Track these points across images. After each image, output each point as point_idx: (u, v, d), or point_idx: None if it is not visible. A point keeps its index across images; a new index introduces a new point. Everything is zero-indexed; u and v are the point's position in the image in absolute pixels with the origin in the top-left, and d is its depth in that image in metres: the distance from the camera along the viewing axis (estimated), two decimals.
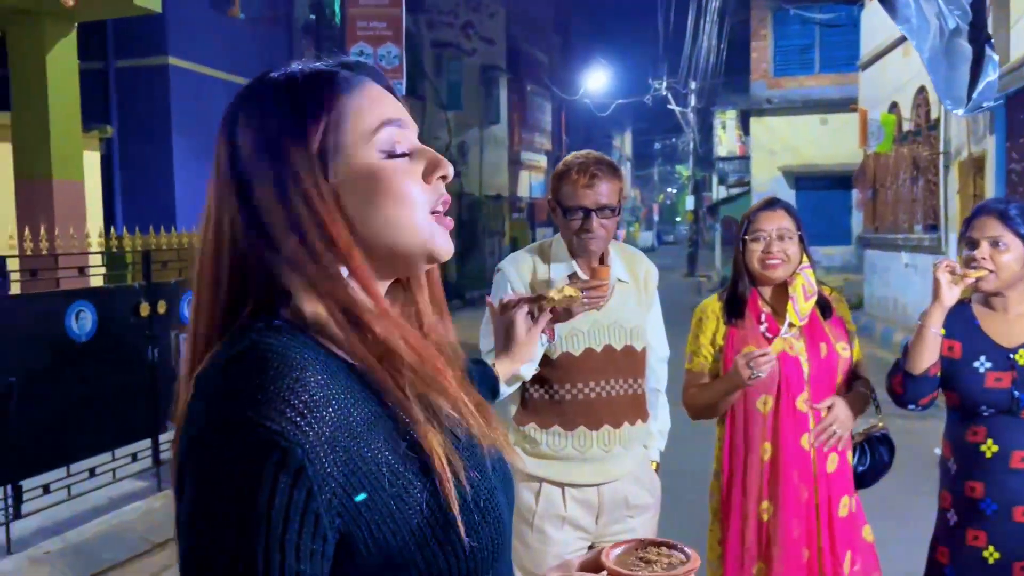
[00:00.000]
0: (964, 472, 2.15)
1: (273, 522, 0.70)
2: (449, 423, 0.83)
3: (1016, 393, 2.07)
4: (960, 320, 2.19)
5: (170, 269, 5.55)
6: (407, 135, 0.87)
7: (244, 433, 0.71)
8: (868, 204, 13.84)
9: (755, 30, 17.60)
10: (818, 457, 2.29)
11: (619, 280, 2.31)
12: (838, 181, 16.55)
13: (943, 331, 2.15)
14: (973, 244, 2.16)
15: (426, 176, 0.86)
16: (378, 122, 0.85)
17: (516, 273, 2.28)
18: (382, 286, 0.89)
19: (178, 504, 0.75)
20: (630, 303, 2.31)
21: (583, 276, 2.24)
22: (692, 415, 2.44)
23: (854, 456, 2.40)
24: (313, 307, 0.80)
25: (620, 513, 2.27)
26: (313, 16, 13.48)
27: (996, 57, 5.41)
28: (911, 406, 2.22)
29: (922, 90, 10.88)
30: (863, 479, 2.42)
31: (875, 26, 12.96)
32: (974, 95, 5.35)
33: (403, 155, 0.85)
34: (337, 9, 11.95)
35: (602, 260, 2.30)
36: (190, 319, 0.87)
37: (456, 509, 0.77)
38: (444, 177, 0.87)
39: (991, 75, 5.34)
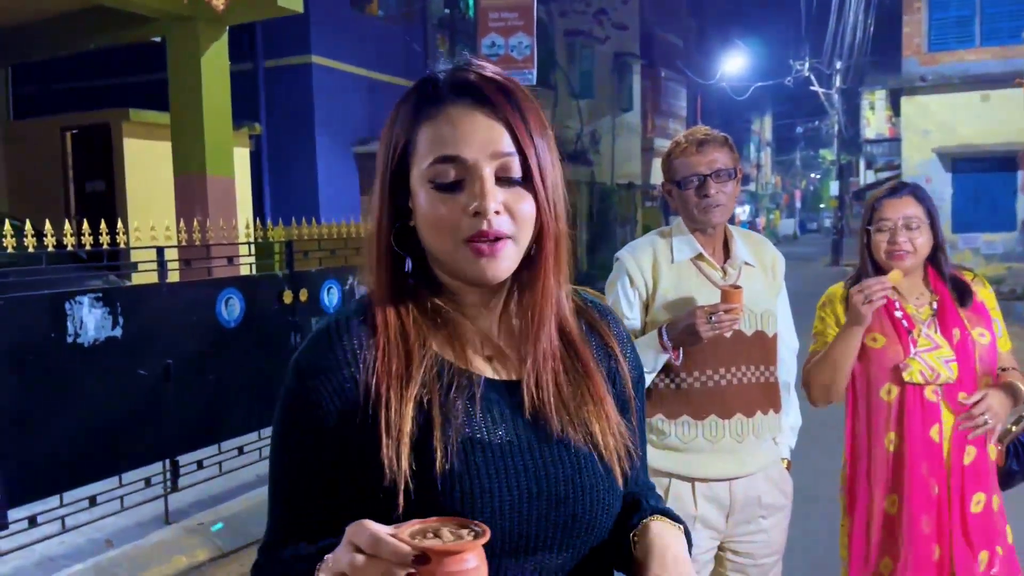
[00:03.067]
0: None
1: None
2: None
3: None
4: None
5: (311, 258, 5.79)
6: (464, 169, 0.95)
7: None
8: None
9: (907, 2, 16.50)
10: (953, 449, 2.15)
11: (745, 263, 2.23)
12: (1001, 162, 15.33)
13: None
14: None
15: (465, 209, 0.94)
16: (433, 157, 0.96)
17: (634, 263, 2.22)
18: (464, 288, 1.02)
19: None
20: (758, 287, 2.21)
21: (704, 253, 2.20)
22: (813, 394, 2.30)
23: (1008, 453, 2.22)
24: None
25: (752, 512, 2.18)
26: (447, 11, 13.73)
27: None
28: None
29: None
30: (1014, 478, 2.25)
31: None
32: None
33: (446, 186, 0.95)
34: (471, 2, 12.11)
35: (726, 245, 2.23)
36: None
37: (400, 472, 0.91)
38: (478, 213, 0.93)
39: None
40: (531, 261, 0.99)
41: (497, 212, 0.94)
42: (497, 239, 0.94)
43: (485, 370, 1.00)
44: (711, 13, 33.10)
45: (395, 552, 0.74)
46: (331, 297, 5.87)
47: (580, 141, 19.74)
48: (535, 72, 9.73)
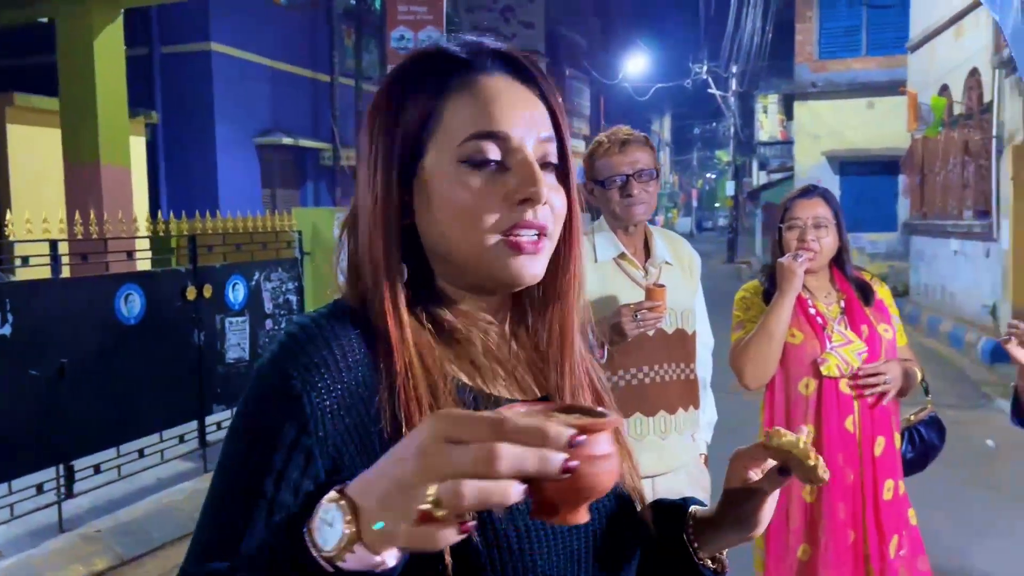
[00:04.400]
0: None
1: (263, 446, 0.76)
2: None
3: None
4: None
5: (216, 253, 5.61)
6: (507, 149, 0.80)
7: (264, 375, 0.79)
8: (915, 190, 13.54)
9: (800, 12, 17.23)
10: (864, 440, 2.27)
11: (665, 263, 2.30)
12: (884, 166, 16.19)
13: None
14: None
15: (509, 195, 0.79)
16: (469, 132, 0.80)
17: None
18: (469, 299, 0.86)
19: None
20: (678, 286, 2.28)
21: (627, 252, 2.25)
22: (746, 375, 2.30)
23: (903, 442, 2.37)
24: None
25: None
26: (354, 2, 13.51)
27: None
28: None
29: (974, 72, 10.58)
30: (912, 465, 2.39)
31: (925, 6, 12.63)
32: None
33: (484, 165, 0.79)
34: None
35: (646, 244, 2.29)
36: None
37: None
38: (527, 200, 0.78)
39: None
40: (555, 265, 0.85)
41: (545, 202, 0.80)
42: (541, 234, 0.80)
43: (504, 392, 0.85)
44: (614, 14, 33.70)
45: (554, 435, 0.54)
46: (236, 294, 5.70)
47: None
48: None
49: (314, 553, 0.58)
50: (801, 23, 17.23)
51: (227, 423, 5.65)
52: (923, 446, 2.36)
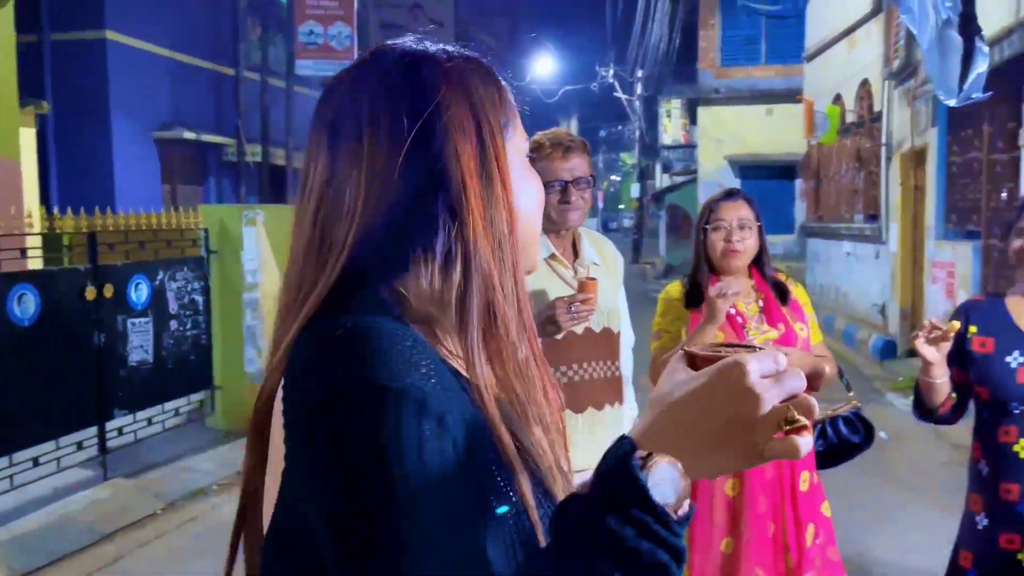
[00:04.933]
0: (998, 474, 2.11)
1: (428, 466, 0.67)
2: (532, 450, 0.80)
3: None
4: (994, 315, 2.18)
5: (117, 252, 5.37)
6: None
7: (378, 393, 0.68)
8: (811, 194, 14.14)
9: (703, 19, 17.76)
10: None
11: (593, 263, 2.34)
12: (782, 171, 16.87)
13: (974, 329, 2.15)
14: (1020, 235, 2.12)
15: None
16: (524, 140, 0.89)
17: None
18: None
19: (304, 468, 0.71)
20: (604, 285, 2.32)
21: (557, 253, 2.29)
22: None
23: (814, 435, 2.45)
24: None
25: None
26: None
27: (986, 49, 5.47)
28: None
29: (865, 83, 11.13)
30: (823, 459, 2.46)
31: (820, 19, 13.21)
32: (965, 86, 5.40)
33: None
34: None
35: (575, 246, 2.33)
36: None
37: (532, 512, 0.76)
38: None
39: (981, 67, 5.39)
40: None
41: None
42: None
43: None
44: (523, 15, 33.93)
45: (796, 378, 0.66)
46: (139, 294, 5.48)
47: None
48: None
49: (661, 509, 0.62)
50: (704, 30, 17.77)
51: (130, 428, 5.44)
52: (838, 441, 2.44)
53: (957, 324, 2.08)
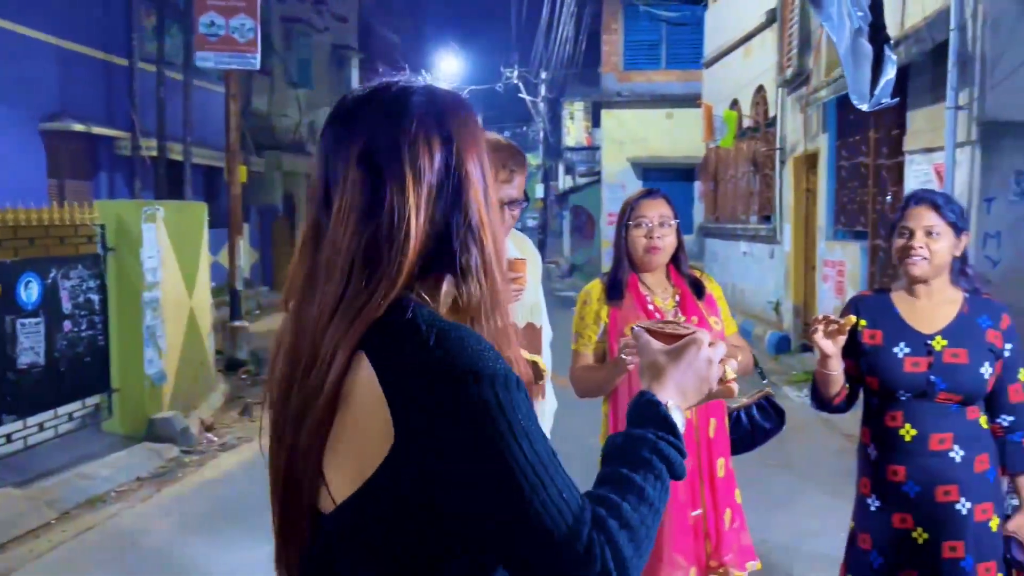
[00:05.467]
0: (885, 457, 2.23)
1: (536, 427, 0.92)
2: None
3: (931, 377, 2.18)
4: (881, 309, 2.31)
5: (5, 249, 5.09)
6: None
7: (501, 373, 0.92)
8: (709, 196, 14.61)
9: (606, 24, 18.09)
10: (700, 423, 2.44)
11: (517, 258, 2.36)
12: (682, 173, 17.36)
13: (864, 323, 2.29)
14: (908, 233, 2.24)
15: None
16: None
17: None
18: None
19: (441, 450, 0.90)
20: (528, 283, 2.35)
21: None
22: (579, 394, 2.53)
23: (729, 422, 2.56)
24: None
25: None
26: None
27: (895, 57, 5.74)
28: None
29: (760, 89, 11.58)
30: (738, 444, 2.57)
31: (717, 27, 13.68)
32: (876, 91, 5.66)
33: None
34: None
35: None
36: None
37: None
38: None
39: (890, 74, 5.66)
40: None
41: None
42: None
43: None
44: (429, 14, 33.78)
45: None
46: (29, 293, 5.21)
47: (298, 131, 19.19)
48: (259, 57, 9.27)
49: (678, 432, 1.01)
50: (607, 34, 18.11)
51: (20, 434, 5.14)
52: (751, 427, 2.55)
53: (853, 318, 2.22)
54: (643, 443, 0.96)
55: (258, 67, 9.58)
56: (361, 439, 0.92)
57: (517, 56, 27.52)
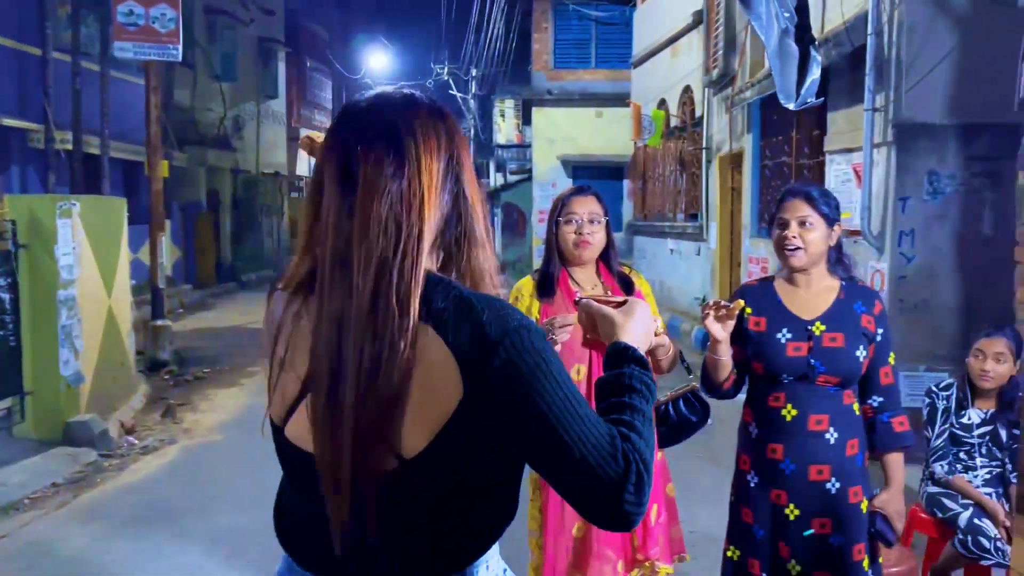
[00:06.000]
0: (765, 435, 2.37)
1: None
2: None
3: (812, 361, 2.30)
4: (765, 298, 2.43)
5: None
6: None
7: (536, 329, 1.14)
8: (638, 194, 14.81)
9: (537, 22, 18.15)
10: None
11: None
12: (611, 172, 17.55)
13: (750, 311, 2.37)
14: (784, 225, 2.37)
15: None
16: None
17: None
18: None
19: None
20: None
21: None
22: None
23: (656, 417, 2.59)
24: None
25: None
26: None
27: (820, 57, 5.87)
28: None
29: (687, 89, 11.79)
30: (665, 438, 2.61)
31: (645, 27, 13.86)
32: (802, 91, 5.79)
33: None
34: None
35: None
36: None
37: None
38: None
39: (815, 74, 5.79)
40: None
41: None
42: None
43: None
44: (356, 8, 33.34)
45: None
46: None
47: (223, 126, 18.72)
48: (180, 48, 9.00)
49: (647, 364, 1.25)
50: (538, 32, 18.17)
51: None
52: (678, 420, 2.59)
53: (741, 302, 2.32)
54: (627, 376, 1.19)
55: (180, 59, 9.31)
56: (433, 395, 1.09)
57: (447, 53, 27.41)
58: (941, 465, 3.34)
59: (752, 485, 2.40)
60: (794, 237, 2.33)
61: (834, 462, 2.30)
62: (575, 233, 2.48)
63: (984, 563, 3.15)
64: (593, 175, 17.56)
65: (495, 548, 1.22)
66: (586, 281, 2.56)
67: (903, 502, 2.37)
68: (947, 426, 3.38)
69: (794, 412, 2.32)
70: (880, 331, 2.36)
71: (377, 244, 1.09)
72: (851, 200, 6.35)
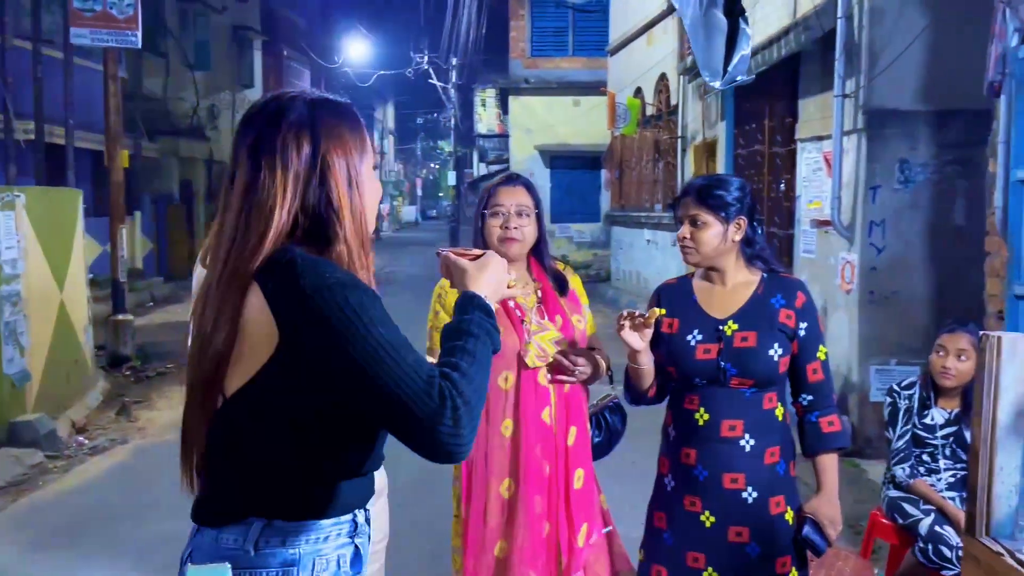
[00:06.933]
0: (681, 439, 2.22)
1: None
2: None
3: (722, 363, 2.15)
4: (681, 297, 2.28)
5: None
6: None
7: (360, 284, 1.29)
8: (615, 184, 14.65)
9: (513, 9, 17.93)
10: (559, 431, 2.32)
11: None
12: (589, 161, 17.38)
13: (663, 312, 2.24)
14: (680, 223, 2.26)
15: None
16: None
17: None
18: None
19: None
20: None
21: None
22: None
23: (591, 428, 2.45)
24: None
25: None
26: None
27: (750, 31, 5.59)
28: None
29: (663, 77, 11.62)
30: (598, 449, 2.49)
31: (621, 14, 13.67)
32: (729, 68, 5.49)
33: None
34: None
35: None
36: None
37: None
38: None
39: (745, 49, 5.49)
40: None
41: None
42: None
43: None
44: None
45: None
46: None
47: (196, 116, 18.41)
48: (140, 35, 8.73)
49: (491, 311, 1.39)
50: (515, 20, 17.96)
51: None
52: (608, 431, 2.45)
53: (657, 311, 2.18)
54: (466, 322, 1.32)
55: (139, 45, 9.04)
56: (252, 342, 1.27)
57: (427, 41, 27.12)
58: (903, 468, 3.19)
59: (668, 489, 2.26)
60: (685, 237, 2.22)
61: (749, 471, 2.16)
62: (500, 227, 2.31)
63: (945, 574, 3.00)
64: (571, 164, 17.41)
65: (366, 528, 1.41)
66: (517, 280, 2.38)
67: (837, 507, 2.21)
68: (909, 427, 3.23)
69: (707, 416, 2.18)
70: (804, 325, 2.20)
71: (234, 234, 1.31)
72: (822, 190, 6.19)
